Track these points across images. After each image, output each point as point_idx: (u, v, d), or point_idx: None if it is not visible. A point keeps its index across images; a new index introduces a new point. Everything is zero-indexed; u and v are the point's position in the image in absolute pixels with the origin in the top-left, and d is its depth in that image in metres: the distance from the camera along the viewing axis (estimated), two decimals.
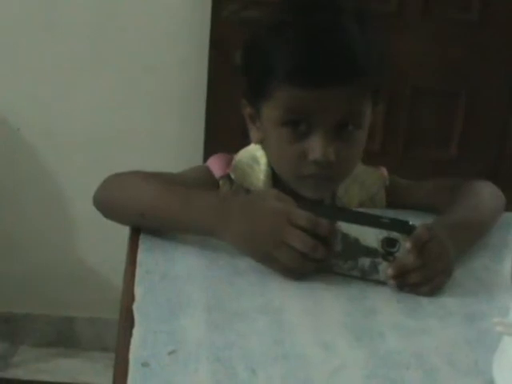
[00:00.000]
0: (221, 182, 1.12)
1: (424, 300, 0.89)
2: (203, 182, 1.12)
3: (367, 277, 0.91)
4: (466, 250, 1.01)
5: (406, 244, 0.88)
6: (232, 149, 1.19)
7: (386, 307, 0.86)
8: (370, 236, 0.90)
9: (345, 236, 0.90)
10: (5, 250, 2.29)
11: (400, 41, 2.05)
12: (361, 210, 1.04)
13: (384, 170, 1.22)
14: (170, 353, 0.72)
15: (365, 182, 1.18)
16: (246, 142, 1.17)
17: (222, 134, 2.05)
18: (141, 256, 0.95)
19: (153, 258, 0.94)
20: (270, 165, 1.12)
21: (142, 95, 2.17)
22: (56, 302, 2.35)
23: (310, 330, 0.80)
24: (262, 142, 1.13)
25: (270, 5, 1.09)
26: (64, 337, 2.37)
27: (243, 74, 1.10)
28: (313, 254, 0.88)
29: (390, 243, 0.89)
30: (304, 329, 0.80)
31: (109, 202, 1.04)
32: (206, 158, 1.21)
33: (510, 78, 2.17)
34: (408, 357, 0.76)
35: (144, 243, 0.98)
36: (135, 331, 0.76)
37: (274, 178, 1.12)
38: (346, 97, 1.01)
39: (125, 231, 1.02)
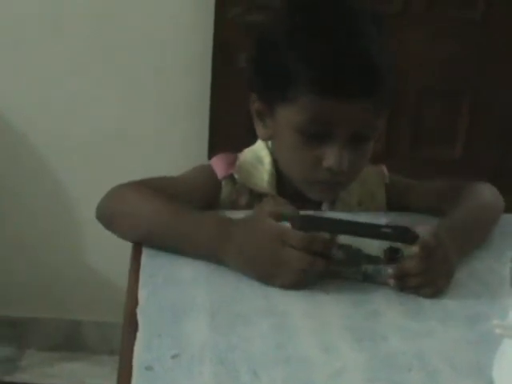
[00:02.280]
0: (223, 183, 1.12)
1: (426, 302, 0.89)
2: (205, 182, 1.12)
3: (370, 280, 0.92)
4: (468, 252, 1.01)
5: (411, 250, 0.89)
6: (236, 149, 1.18)
7: (387, 310, 0.87)
8: (373, 247, 0.90)
9: (347, 247, 0.91)
10: (11, 254, 2.29)
11: (404, 41, 2.04)
12: (361, 216, 1.04)
13: (384, 168, 1.21)
14: (174, 356, 0.73)
15: (365, 180, 1.18)
16: (249, 142, 1.17)
17: (226, 135, 2.05)
18: (144, 260, 0.95)
19: (156, 261, 0.95)
20: (274, 165, 1.12)
21: (146, 97, 2.17)
22: (62, 305, 2.35)
23: (312, 333, 0.80)
24: (269, 139, 1.12)
25: (276, 9, 1.09)
26: (71, 340, 2.37)
27: (256, 72, 1.09)
28: (312, 269, 0.89)
29: (392, 251, 0.90)
30: (306, 332, 0.80)
31: (111, 219, 1.04)
32: (210, 160, 1.20)
33: None
34: (410, 359, 0.76)
35: (148, 248, 0.98)
36: (139, 335, 0.77)
37: (278, 178, 1.12)
38: (367, 109, 1.01)
39: None
